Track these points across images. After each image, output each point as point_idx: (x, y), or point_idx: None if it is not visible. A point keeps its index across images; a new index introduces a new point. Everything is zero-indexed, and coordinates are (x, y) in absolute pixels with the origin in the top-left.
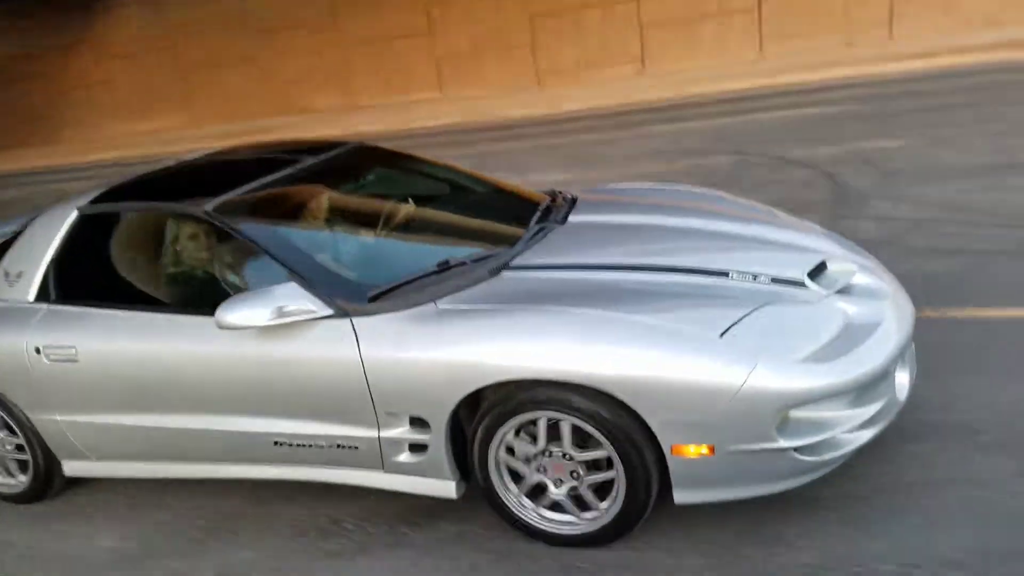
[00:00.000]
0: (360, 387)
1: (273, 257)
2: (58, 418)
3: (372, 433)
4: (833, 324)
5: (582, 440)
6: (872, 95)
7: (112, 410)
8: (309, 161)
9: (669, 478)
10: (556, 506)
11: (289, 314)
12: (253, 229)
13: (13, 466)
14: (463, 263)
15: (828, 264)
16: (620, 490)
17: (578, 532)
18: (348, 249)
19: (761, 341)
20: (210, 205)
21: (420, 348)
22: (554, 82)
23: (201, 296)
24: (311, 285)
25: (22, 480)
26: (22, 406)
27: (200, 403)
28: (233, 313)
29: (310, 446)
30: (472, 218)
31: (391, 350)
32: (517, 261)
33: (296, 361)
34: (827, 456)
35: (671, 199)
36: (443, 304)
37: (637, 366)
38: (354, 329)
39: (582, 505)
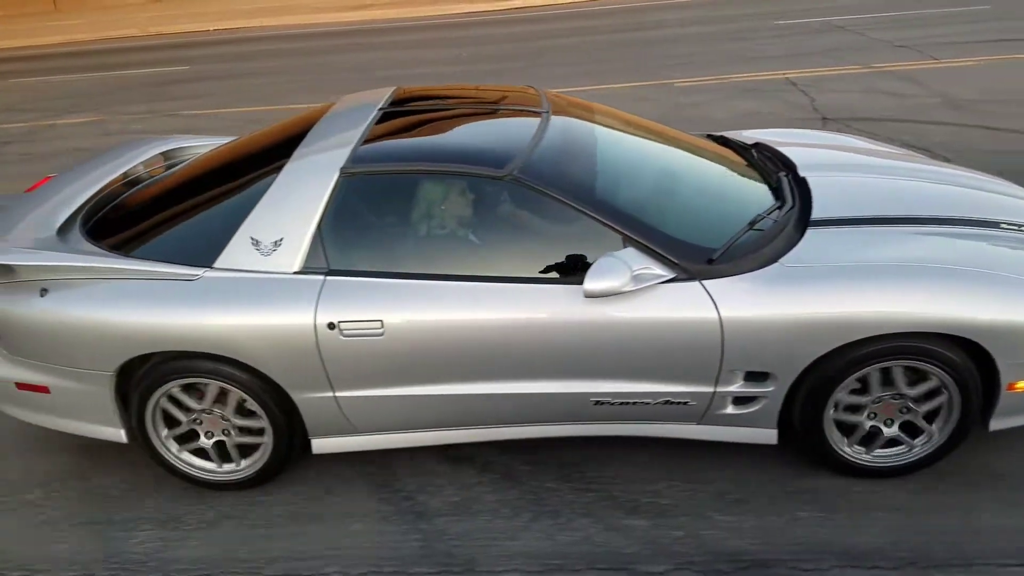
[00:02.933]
0: (713, 347)
1: (603, 223)
2: (336, 394)
3: (708, 389)
4: None
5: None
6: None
7: (410, 383)
8: (545, 114)
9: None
10: (890, 442)
11: (642, 279)
12: (573, 193)
13: (234, 451)
14: (763, 218)
15: None
16: (955, 412)
17: (911, 459)
18: (656, 207)
19: None
20: (515, 168)
21: (780, 307)
22: None
23: (514, 262)
24: (648, 249)
25: (248, 463)
26: (285, 384)
27: (519, 369)
28: (600, 282)
29: (634, 403)
30: (708, 166)
31: (749, 310)
32: (815, 216)
33: (641, 324)
34: None
35: (854, 146)
36: (788, 263)
37: (1001, 314)
38: (708, 292)
39: (912, 434)
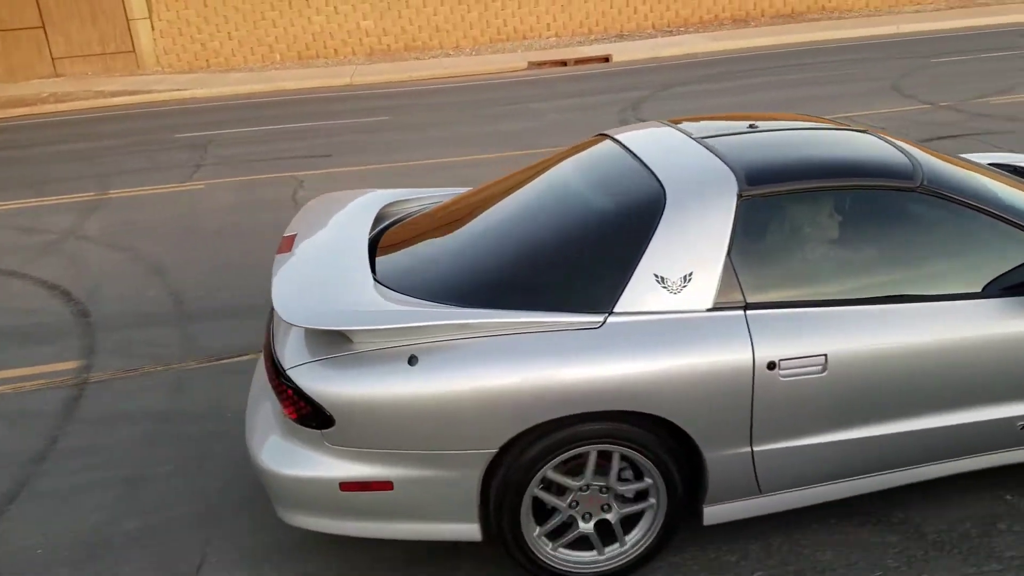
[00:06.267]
0: None
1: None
2: (754, 448)
3: None
4: None
5: None
6: None
7: (843, 426)
8: (863, 130)
9: None
10: None
11: None
12: (987, 200)
13: (619, 528)
14: None
15: None
16: None
17: None
18: None
19: None
20: (924, 178)
21: None
22: None
23: (944, 278)
24: None
25: (633, 537)
26: (700, 439)
27: (968, 396)
28: None
29: None
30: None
31: None
32: None
33: None
34: None
35: None
36: None
37: None
38: None
39: None
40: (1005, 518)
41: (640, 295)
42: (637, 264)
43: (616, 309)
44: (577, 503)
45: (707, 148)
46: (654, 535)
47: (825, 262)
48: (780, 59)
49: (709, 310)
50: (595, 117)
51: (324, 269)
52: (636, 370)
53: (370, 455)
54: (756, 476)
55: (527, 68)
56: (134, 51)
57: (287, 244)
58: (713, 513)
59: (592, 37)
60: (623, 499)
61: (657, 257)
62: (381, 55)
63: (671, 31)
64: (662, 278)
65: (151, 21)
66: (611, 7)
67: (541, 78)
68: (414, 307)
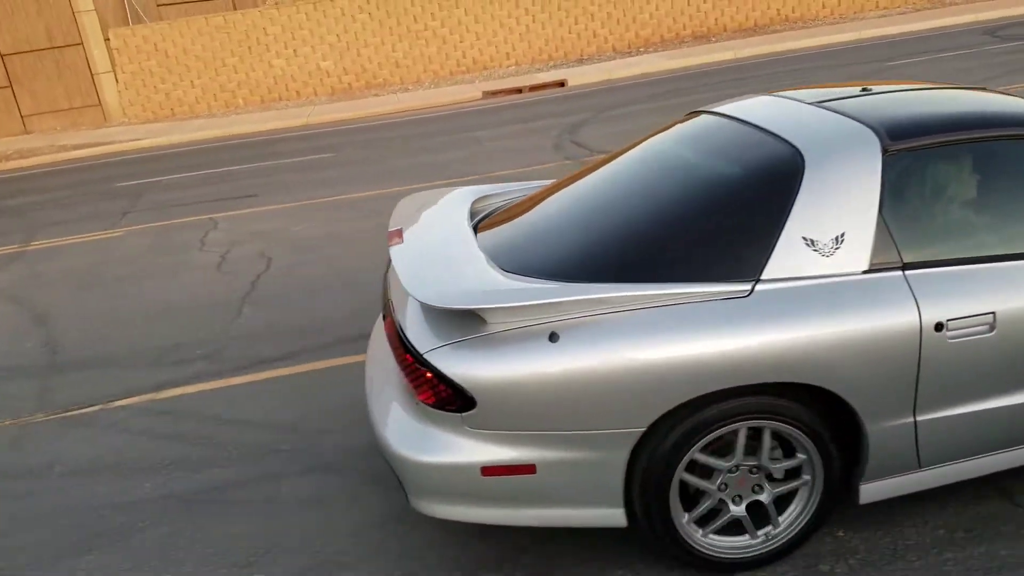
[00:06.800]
0: None
1: None
2: (917, 418)
3: None
4: None
5: None
6: None
7: (1012, 389)
8: (975, 86)
9: None
10: None
11: None
12: None
13: (772, 508)
14: None
15: None
16: None
17: None
18: None
19: None
20: None
21: None
22: None
23: None
24: None
25: (787, 518)
26: (863, 410)
27: None
28: None
29: None
30: None
31: None
32: None
33: None
34: None
35: None
36: None
37: None
38: None
39: None
40: (829, 557)
41: (789, 260)
42: (782, 229)
43: (763, 276)
44: (726, 485)
45: (830, 110)
46: (810, 514)
47: (982, 216)
48: (729, 73)
49: (865, 272)
50: (530, 141)
51: (440, 256)
52: (792, 339)
53: (512, 437)
54: (918, 448)
55: (482, 98)
56: (100, 104)
57: (396, 236)
58: (870, 491)
59: (551, 63)
60: (774, 479)
61: (803, 220)
62: (342, 94)
63: (631, 52)
64: (811, 240)
65: (115, 74)
66: (570, 32)
67: (491, 107)
68: (544, 286)
